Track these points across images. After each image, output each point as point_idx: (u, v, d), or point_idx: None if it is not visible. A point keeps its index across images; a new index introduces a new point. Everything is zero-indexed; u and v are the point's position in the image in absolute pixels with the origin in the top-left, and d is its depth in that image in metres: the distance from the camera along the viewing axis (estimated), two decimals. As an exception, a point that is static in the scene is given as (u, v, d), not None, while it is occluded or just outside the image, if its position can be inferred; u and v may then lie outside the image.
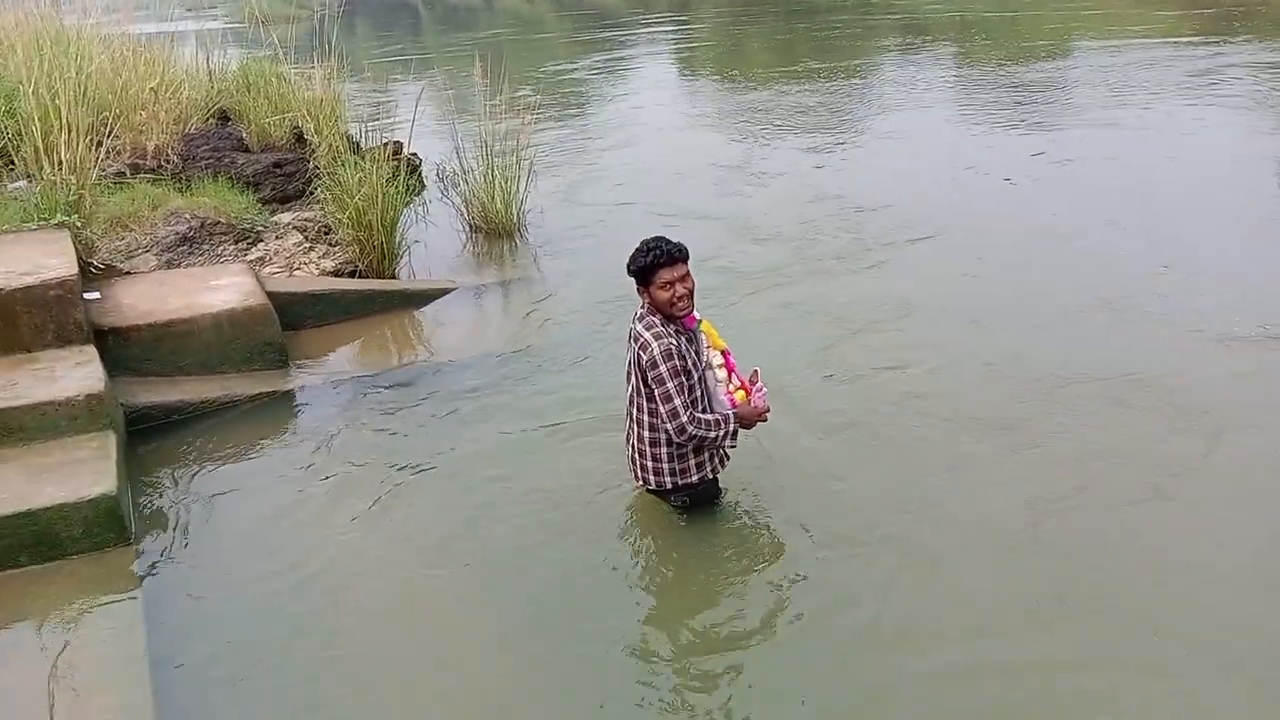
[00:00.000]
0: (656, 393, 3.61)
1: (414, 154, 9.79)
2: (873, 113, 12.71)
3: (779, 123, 12.24)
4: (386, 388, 5.37)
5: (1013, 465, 4.33)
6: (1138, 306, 5.92)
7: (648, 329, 3.63)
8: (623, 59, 22.81)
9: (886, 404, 4.91)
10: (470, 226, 7.96)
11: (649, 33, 28.74)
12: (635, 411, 3.79)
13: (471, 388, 5.31)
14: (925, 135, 11.12)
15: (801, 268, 6.92)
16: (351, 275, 6.71)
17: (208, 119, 9.64)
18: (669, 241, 3.64)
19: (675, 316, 3.64)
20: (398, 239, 6.91)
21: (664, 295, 3.60)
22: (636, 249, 3.66)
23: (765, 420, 3.84)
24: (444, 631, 3.53)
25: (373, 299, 6.32)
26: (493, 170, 7.83)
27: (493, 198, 7.78)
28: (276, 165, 8.48)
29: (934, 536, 3.83)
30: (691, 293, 3.65)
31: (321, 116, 8.77)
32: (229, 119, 9.79)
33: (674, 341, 3.60)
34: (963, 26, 22.86)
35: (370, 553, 3.94)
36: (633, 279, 3.70)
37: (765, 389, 3.89)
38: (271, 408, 5.19)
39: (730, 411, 3.74)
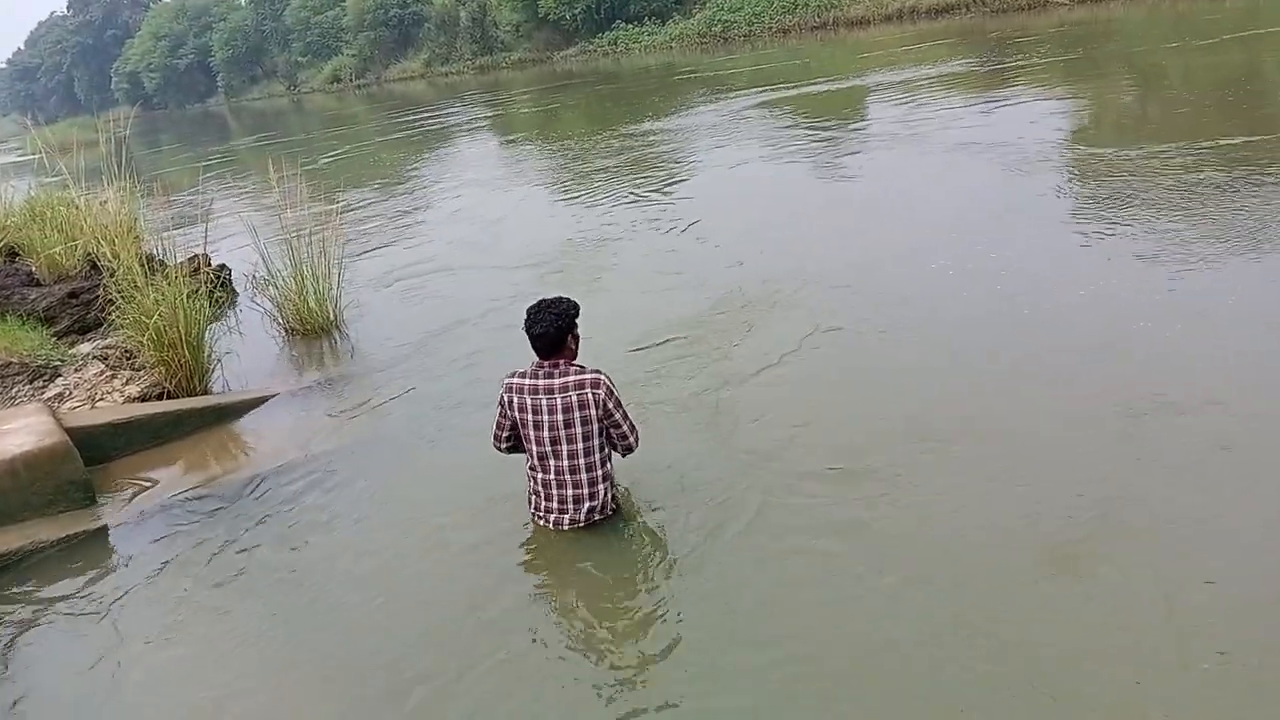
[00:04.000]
0: (617, 415, 4.09)
1: (222, 265, 9.56)
2: (687, 165, 13.15)
3: (595, 183, 12.63)
4: (206, 510, 5.12)
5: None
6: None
7: (581, 373, 4.06)
8: (437, 141, 22.98)
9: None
10: (285, 330, 7.77)
11: (463, 115, 28.99)
12: (580, 456, 4.09)
13: (295, 496, 5.12)
14: (756, 180, 11.54)
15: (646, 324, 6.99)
16: (160, 397, 6.44)
17: (-8, 257, 9.18)
18: (553, 296, 4.15)
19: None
20: (206, 353, 6.68)
21: (579, 334, 4.17)
22: (553, 305, 4.05)
23: None
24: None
25: (183, 419, 6.06)
26: (302, 270, 7.69)
27: (305, 298, 7.63)
28: (72, 295, 8.13)
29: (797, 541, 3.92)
30: None
31: (117, 239, 8.45)
32: (16, 254, 9.34)
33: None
34: (763, 75, 23.94)
35: (194, 694, 3.73)
36: (562, 332, 4.04)
37: None
38: (82, 549, 4.88)
39: None
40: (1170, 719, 2.88)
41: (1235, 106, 11.13)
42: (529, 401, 4.09)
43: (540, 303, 4.10)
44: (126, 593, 4.45)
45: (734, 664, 3.37)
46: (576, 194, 12.72)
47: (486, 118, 27.28)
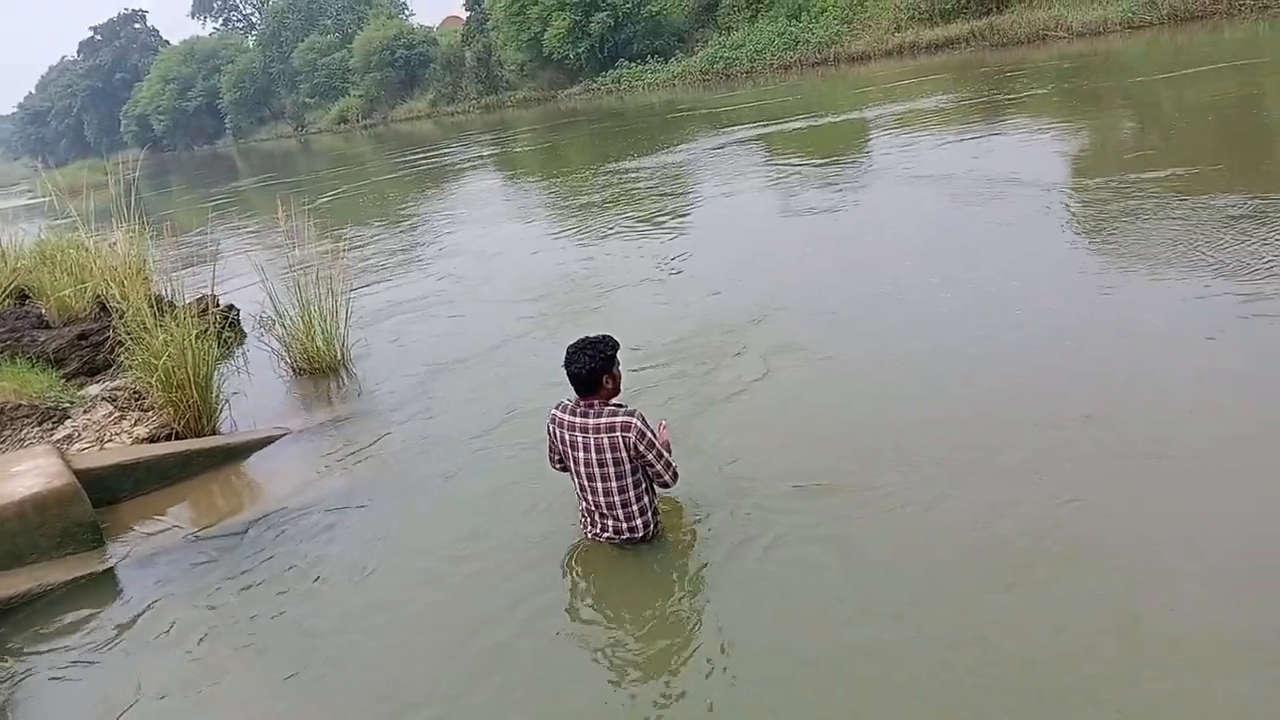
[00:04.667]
0: (651, 456, 4.16)
1: (231, 305, 9.62)
2: (680, 198, 13.24)
3: (592, 218, 12.83)
4: (214, 551, 5.13)
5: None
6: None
7: (614, 415, 4.12)
8: (440, 179, 23.18)
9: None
10: (293, 369, 7.80)
11: (466, 153, 29.24)
12: (615, 493, 4.20)
13: (305, 538, 5.12)
14: (745, 213, 11.62)
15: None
16: (168, 438, 6.46)
17: (2, 300, 9.24)
18: (597, 335, 4.22)
19: (619, 393, 4.26)
20: (214, 394, 6.70)
21: (618, 373, 4.22)
22: (591, 347, 4.11)
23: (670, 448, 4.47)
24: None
25: (191, 459, 6.07)
26: (309, 309, 7.73)
27: (312, 337, 7.67)
28: (81, 337, 8.18)
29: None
30: None
31: (126, 281, 8.52)
32: (27, 297, 9.41)
33: (640, 413, 4.17)
34: (760, 111, 24.13)
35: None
36: (599, 371, 4.11)
37: (665, 422, 4.69)
38: (91, 590, 4.89)
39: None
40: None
41: (1224, 135, 11.20)
42: (568, 436, 4.23)
43: (580, 341, 4.19)
44: (134, 635, 4.45)
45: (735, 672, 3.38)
46: (574, 228, 12.99)
47: (489, 155, 27.51)
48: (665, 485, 4.35)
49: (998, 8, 32.73)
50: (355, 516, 5.29)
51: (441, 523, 5.09)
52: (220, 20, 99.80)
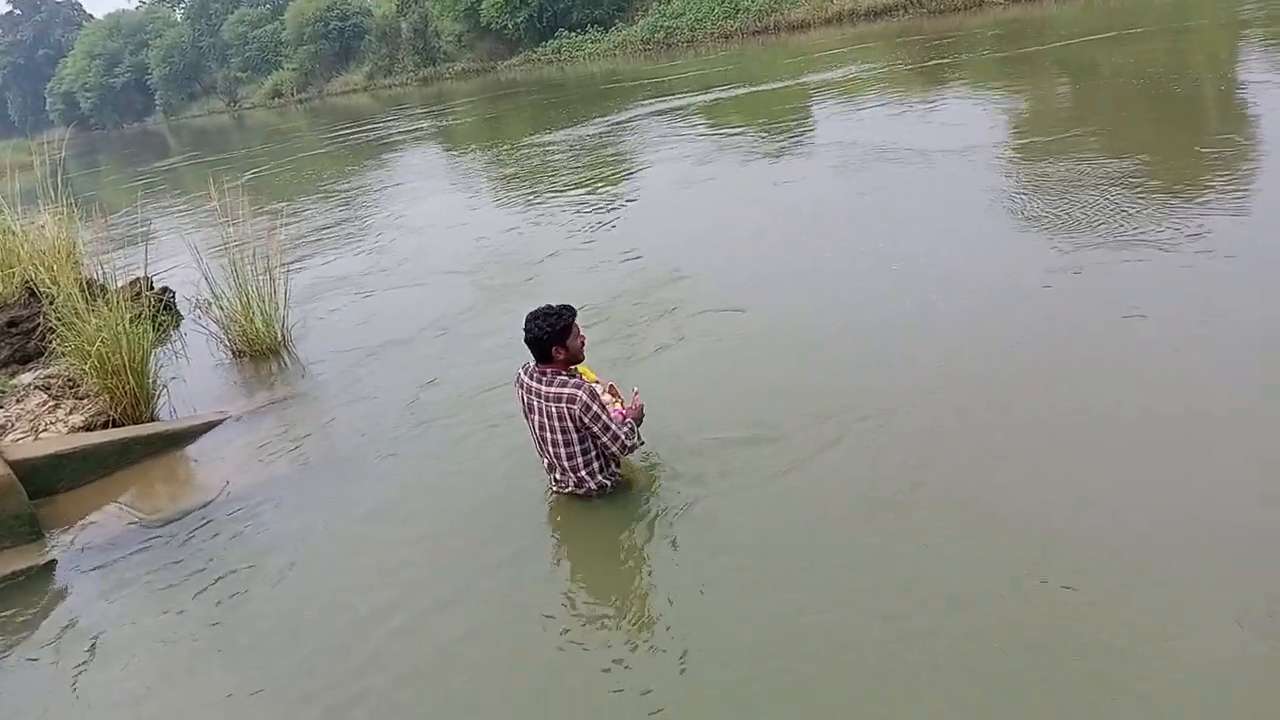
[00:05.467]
0: (596, 429, 4.26)
1: (165, 288, 9.41)
2: (622, 169, 13.18)
3: (528, 188, 12.86)
4: (156, 540, 5.04)
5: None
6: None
7: (563, 387, 4.23)
8: (378, 153, 22.88)
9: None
10: (232, 352, 7.67)
11: (404, 126, 28.84)
12: (564, 458, 4.37)
13: (250, 524, 5.05)
14: (680, 183, 11.62)
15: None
16: (106, 426, 6.32)
17: (-76, 288, 8.93)
18: (560, 305, 4.29)
19: (579, 361, 4.38)
20: (151, 379, 6.57)
21: (578, 344, 4.32)
22: (544, 316, 4.21)
23: (644, 415, 4.63)
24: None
25: (130, 447, 5.96)
26: (247, 290, 7.59)
27: (251, 319, 7.54)
28: (10, 324, 7.95)
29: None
30: None
31: (56, 265, 8.29)
32: (-50, 284, 9.10)
33: (590, 385, 4.29)
34: (699, 80, 24.08)
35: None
36: (548, 341, 4.21)
37: (637, 389, 4.75)
38: (29, 586, 4.78)
39: (629, 420, 4.48)
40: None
41: (1154, 97, 11.41)
42: (525, 397, 4.42)
43: (538, 309, 4.29)
44: (76, 629, 4.37)
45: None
46: (508, 200, 13.12)
47: (425, 129, 27.14)
48: (615, 454, 4.42)
49: (934, -26, 32.91)
50: (300, 500, 5.24)
51: (387, 501, 5.05)
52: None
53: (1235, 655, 3.03)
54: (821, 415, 4.96)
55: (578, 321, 4.34)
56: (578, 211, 11.11)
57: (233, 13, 75.10)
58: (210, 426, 6.39)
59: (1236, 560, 3.44)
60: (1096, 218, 7.20)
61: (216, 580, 4.55)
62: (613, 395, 4.68)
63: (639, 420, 4.60)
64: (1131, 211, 7.17)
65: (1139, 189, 7.70)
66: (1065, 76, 15.13)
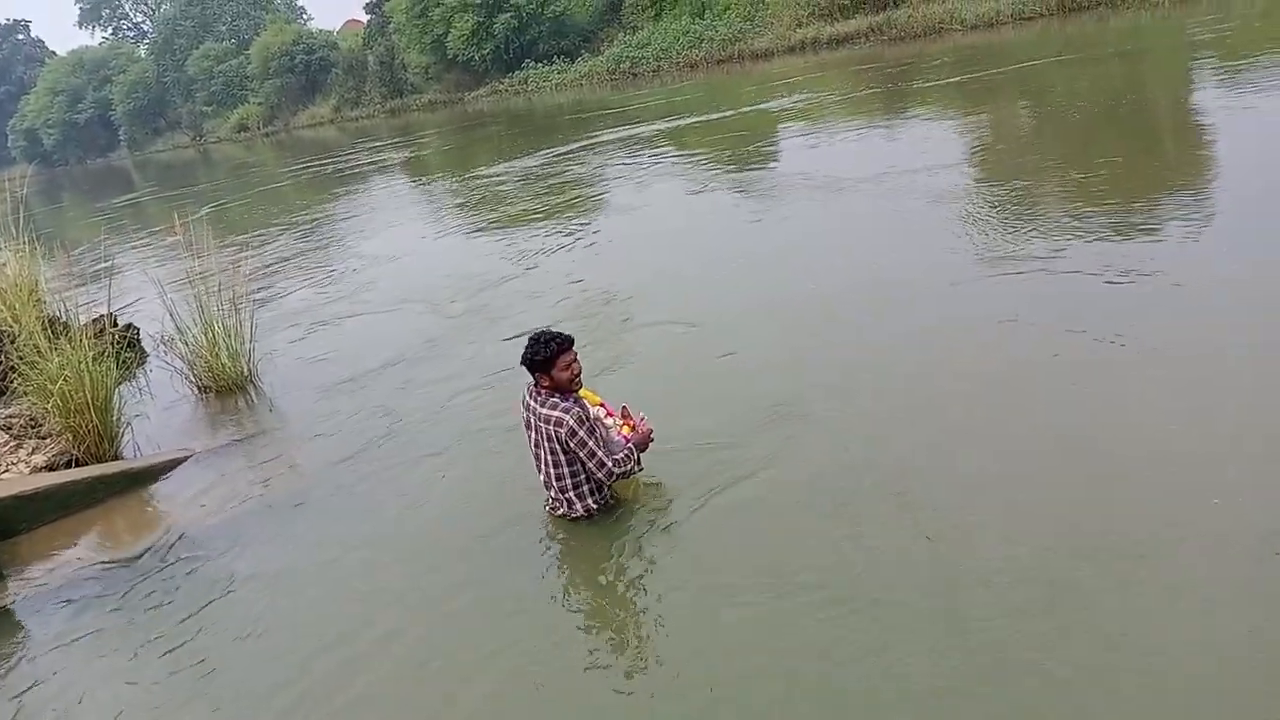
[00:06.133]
0: (581, 454, 4.37)
1: (130, 324, 9.32)
2: (584, 194, 13.25)
3: (491, 218, 13.07)
4: (121, 582, 4.95)
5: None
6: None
7: (553, 409, 4.35)
8: (343, 184, 22.88)
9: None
10: (198, 388, 7.60)
11: (370, 158, 28.83)
12: (552, 478, 4.48)
13: (213, 562, 4.97)
14: (640, 210, 11.71)
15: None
16: (69, 465, 6.24)
17: (-118, 329, 8.79)
18: (558, 333, 4.39)
19: (573, 391, 4.42)
20: (115, 417, 6.49)
21: (565, 375, 4.37)
22: (535, 342, 4.34)
23: (653, 440, 4.67)
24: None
25: (94, 487, 5.87)
26: (213, 325, 7.53)
27: (216, 354, 7.47)
28: (-30, 364, 7.83)
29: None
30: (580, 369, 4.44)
31: (18, 303, 8.20)
32: (-91, 325, 8.96)
33: (580, 410, 4.36)
34: (665, 108, 24.29)
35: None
36: (532, 367, 4.37)
37: (644, 415, 4.77)
38: (-9, 631, 4.70)
39: (629, 446, 4.55)
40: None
41: (1112, 121, 11.64)
42: (525, 414, 4.54)
43: (535, 333, 4.42)
44: (38, 675, 4.27)
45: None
46: (473, 227, 13.35)
47: (392, 159, 27.17)
48: (600, 480, 4.48)
49: (894, 3, 33.40)
50: (266, 538, 5.17)
51: (355, 536, 5.00)
52: (109, 29, 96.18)
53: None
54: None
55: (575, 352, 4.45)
56: (537, 238, 11.31)
57: (198, 48, 74.90)
58: (175, 464, 6.31)
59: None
60: (1019, 235, 7.50)
61: (182, 622, 4.47)
62: (624, 418, 4.79)
63: (643, 447, 4.64)
64: (1068, 229, 7.30)
65: (1075, 208, 7.84)
66: (1023, 99, 15.38)
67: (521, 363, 4.43)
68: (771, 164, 13.17)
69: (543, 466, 4.53)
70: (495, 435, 5.75)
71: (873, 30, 32.64)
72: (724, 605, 3.79)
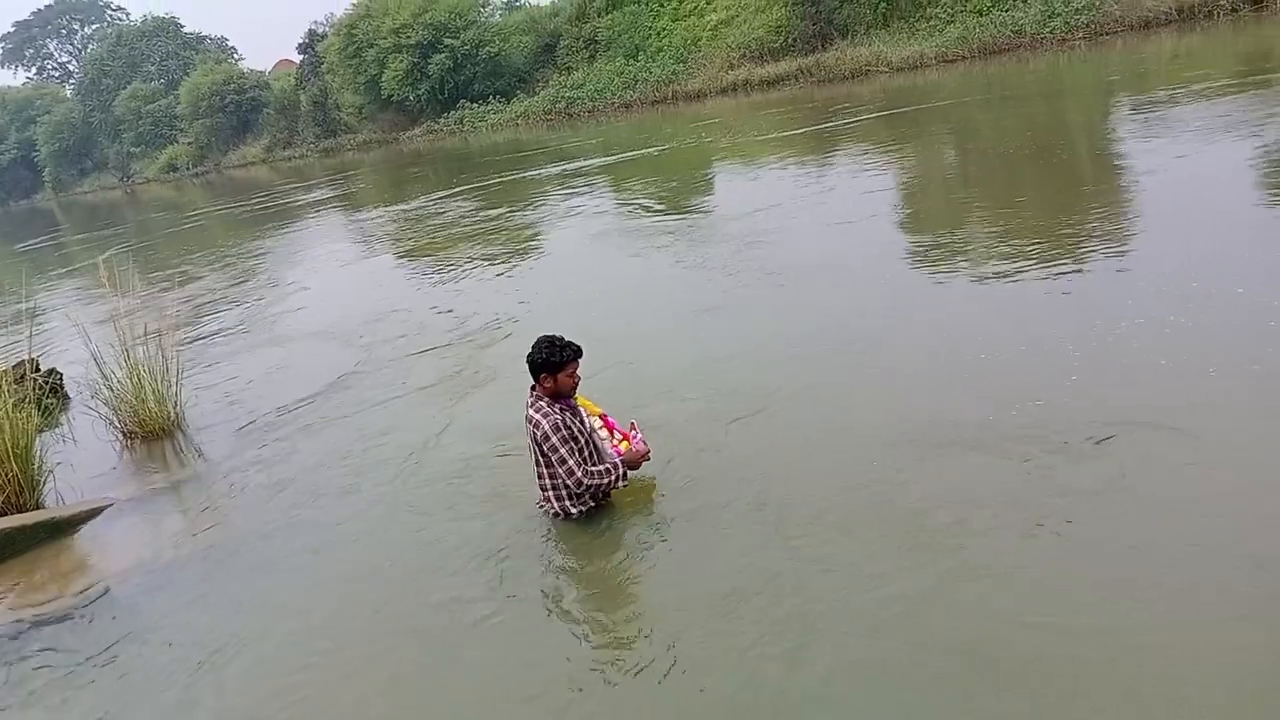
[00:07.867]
0: (553, 459, 4.60)
1: (52, 370, 9.10)
2: (502, 235, 13.31)
3: (416, 255, 13.33)
4: (43, 635, 4.81)
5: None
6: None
7: (537, 412, 4.62)
8: (272, 223, 22.72)
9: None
10: (124, 434, 7.42)
11: (301, 197, 28.60)
12: (535, 475, 4.76)
13: (138, 612, 4.86)
14: (564, 248, 11.80)
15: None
16: (-14, 516, 6.04)
17: None
18: (570, 341, 4.65)
19: (567, 397, 4.70)
20: (36, 465, 6.32)
21: (570, 382, 4.67)
22: (550, 346, 4.59)
23: (649, 459, 4.91)
24: None
25: (14, 537, 5.70)
26: (139, 369, 7.39)
27: (143, 399, 7.32)
28: (-118, 413, 7.56)
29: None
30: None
31: (-67, 350, 7.97)
32: None
33: (559, 417, 4.61)
34: (605, 146, 24.51)
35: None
36: (539, 369, 4.61)
37: (641, 434, 4.99)
38: (-99, 690, 4.52)
39: (618, 460, 4.76)
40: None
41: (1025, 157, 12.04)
42: (526, 412, 4.75)
43: (548, 337, 4.66)
44: (-47, 732, 4.14)
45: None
46: (398, 261, 13.74)
47: (324, 197, 27.00)
48: (572, 485, 4.66)
49: (822, 46, 34.14)
50: (190, 587, 5.06)
51: (284, 588, 4.91)
52: (33, 69, 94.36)
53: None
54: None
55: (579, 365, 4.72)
56: (462, 269, 11.61)
57: (125, 88, 73.68)
58: (97, 512, 6.15)
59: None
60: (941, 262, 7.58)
61: (111, 679, 4.35)
62: (610, 432, 5.00)
63: (635, 465, 4.86)
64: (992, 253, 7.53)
65: (995, 237, 8.09)
66: (947, 137, 15.81)
67: (529, 362, 4.64)
68: (702, 200, 13.43)
69: (531, 465, 4.77)
70: (420, 470, 5.81)
71: (802, 72, 33.23)
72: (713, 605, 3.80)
